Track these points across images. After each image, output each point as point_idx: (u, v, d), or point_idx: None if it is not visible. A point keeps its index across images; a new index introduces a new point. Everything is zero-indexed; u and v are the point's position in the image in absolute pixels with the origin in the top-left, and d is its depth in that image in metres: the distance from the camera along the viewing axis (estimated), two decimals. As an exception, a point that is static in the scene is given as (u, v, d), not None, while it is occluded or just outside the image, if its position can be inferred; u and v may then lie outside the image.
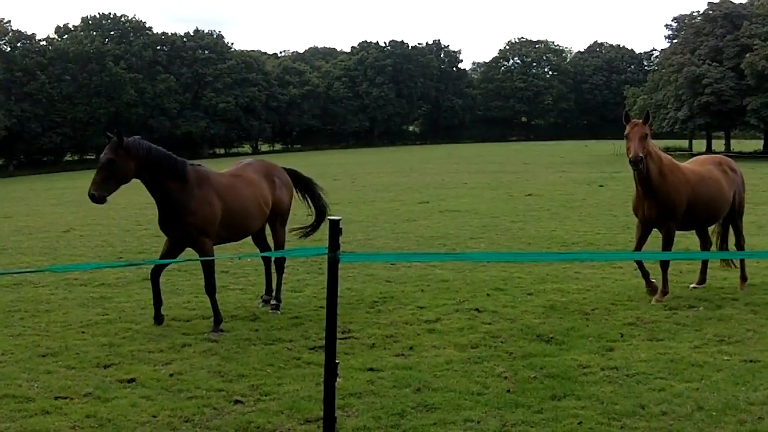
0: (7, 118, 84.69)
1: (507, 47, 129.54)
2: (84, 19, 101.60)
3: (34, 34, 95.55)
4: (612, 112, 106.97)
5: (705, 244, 11.17)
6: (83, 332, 8.87)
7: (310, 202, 11.00)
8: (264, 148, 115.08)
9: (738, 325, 8.54)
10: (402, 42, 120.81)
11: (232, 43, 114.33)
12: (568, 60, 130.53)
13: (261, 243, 10.59)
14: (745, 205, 11.55)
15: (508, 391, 6.50)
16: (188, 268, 12.73)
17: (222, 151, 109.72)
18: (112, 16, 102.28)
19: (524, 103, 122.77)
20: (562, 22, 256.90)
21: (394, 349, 7.87)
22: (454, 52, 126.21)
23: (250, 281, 11.72)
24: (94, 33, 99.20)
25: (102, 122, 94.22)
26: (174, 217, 8.92)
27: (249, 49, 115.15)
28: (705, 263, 10.80)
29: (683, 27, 75.08)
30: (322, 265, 12.40)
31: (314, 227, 11.14)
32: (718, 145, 73.22)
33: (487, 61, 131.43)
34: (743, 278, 10.58)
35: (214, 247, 9.34)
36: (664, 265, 9.97)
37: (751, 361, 7.22)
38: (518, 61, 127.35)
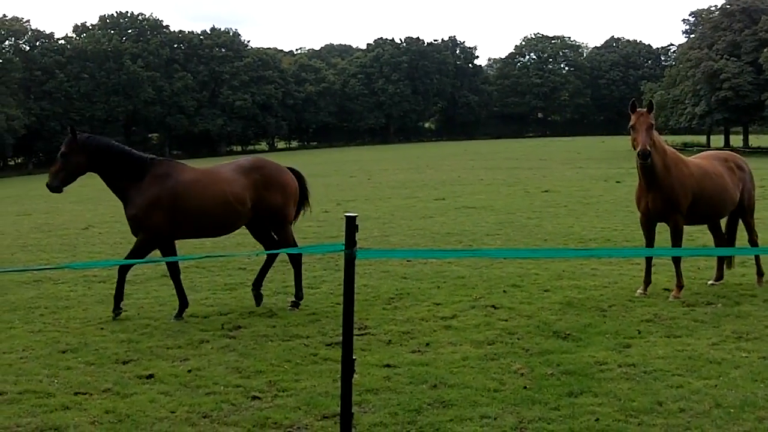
0: (26, 116, 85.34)
1: (523, 43, 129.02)
2: (102, 18, 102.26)
3: (52, 33, 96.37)
4: (629, 108, 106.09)
5: (719, 241, 11.10)
6: (102, 329, 8.96)
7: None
8: (280, 145, 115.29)
9: (756, 321, 8.50)
10: (417, 38, 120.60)
11: (248, 41, 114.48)
12: (584, 55, 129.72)
13: (264, 240, 10.46)
14: (762, 201, 11.46)
15: (525, 387, 6.50)
16: (206, 265, 12.81)
17: (239, 148, 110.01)
18: (129, 14, 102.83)
19: (540, 99, 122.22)
20: (579, 17, 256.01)
21: (411, 346, 7.89)
22: (469, 48, 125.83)
23: (267, 277, 11.73)
24: (112, 31, 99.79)
25: (120, 120, 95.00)
26: (124, 210, 9.69)
27: (265, 47, 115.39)
28: (721, 260, 10.73)
29: (701, 22, 74.43)
30: (338, 262, 12.44)
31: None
32: (737, 140, 72.63)
33: (503, 57, 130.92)
34: (760, 274, 10.52)
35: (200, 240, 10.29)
36: (677, 259, 9.92)
37: (769, 357, 7.19)
38: (534, 56, 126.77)
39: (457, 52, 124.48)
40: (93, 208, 25.84)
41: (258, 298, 10.05)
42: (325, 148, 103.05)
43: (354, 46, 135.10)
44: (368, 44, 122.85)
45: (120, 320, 9.33)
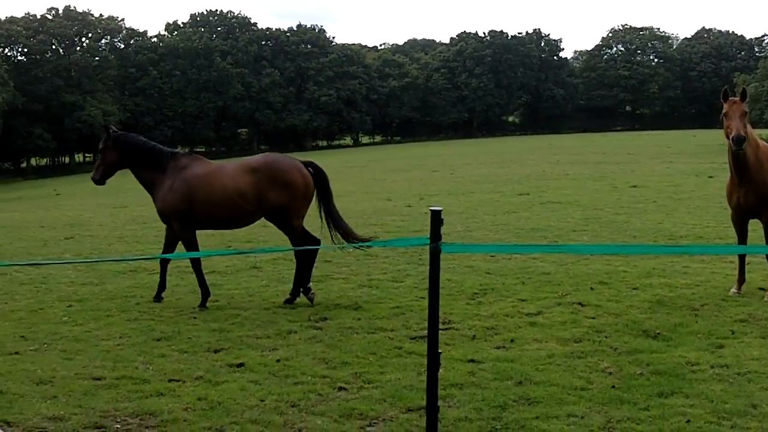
0: (121, 112, 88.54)
1: (610, 35, 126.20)
2: (192, 16, 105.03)
3: (145, 32, 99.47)
4: (721, 101, 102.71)
5: None
6: (194, 318, 9.24)
7: (324, 215, 10.32)
8: (364, 140, 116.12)
9: None
10: (501, 32, 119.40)
11: (333, 37, 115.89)
12: (674, 47, 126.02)
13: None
14: None
15: (613, 387, 6.40)
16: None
17: (324, 143, 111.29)
18: (219, 12, 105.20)
19: (628, 91, 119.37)
20: (668, 7, 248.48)
21: (495, 342, 7.86)
22: (554, 40, 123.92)
23: (352, 270, 11.91)
24: (202, 29, 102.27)
25: (210, 116, 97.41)
26: (153, 202, 10.41)
27: (350, 43, 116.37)
28: None
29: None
30: (422, 256, 12.47)
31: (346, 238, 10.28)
32: (838, 134, 69.46)
33: (589, 49, 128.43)
34: None
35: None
36: None
37: None
38: (622, 48, 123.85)
39: (542, 44, 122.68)
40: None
41: (309, 297, 9.90)
42: (408, 142, 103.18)
43: (437, 41, 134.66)
44: (451, 38, 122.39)
45: (211, 310, 9.60)
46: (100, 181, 10.72)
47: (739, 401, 5.99)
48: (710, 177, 28.77)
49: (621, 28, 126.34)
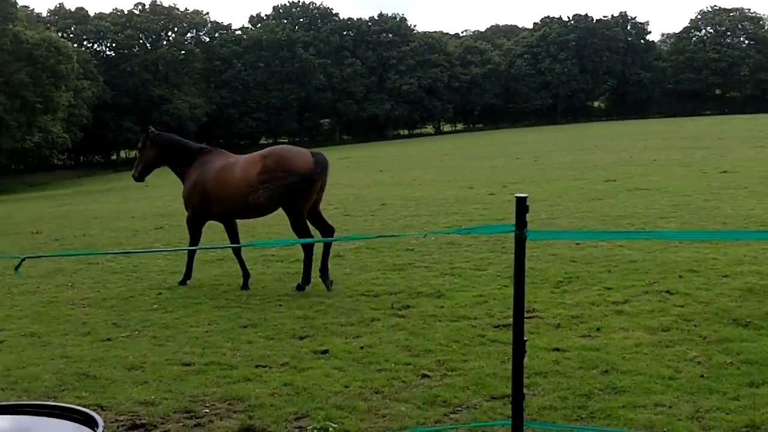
0: (207, 104, 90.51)
1: (698, 16, 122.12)
2: (275, 8, 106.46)
3: (230, 24, 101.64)
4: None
5: None
6: (280, 305, 9.42)
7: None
8: (446, 128, 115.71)
9: None
10: (586, 16, 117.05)
11: (414, 26, 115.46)
12: (765, 28, 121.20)
13: (319, 226, 10.76)
14: None
15: (702, 376, 6.25)
16: (375, 245, 13.13)
17: (405, 132, 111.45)
18: (301, 4, 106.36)
19: (718, 74, 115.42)
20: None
21: (580, 330, 7.77)
22: (641, 23, 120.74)
23: (434, 259, 11.92)
24: (285, 21, 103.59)
25: (293, 107, 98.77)
26: None
27: (431, 31, 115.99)
28: None
29: None
30: (505, 244, 12.40)
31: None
32: None
33: (677, 32, 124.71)
34: None
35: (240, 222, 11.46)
36: None
37: None
38: (711, 30, 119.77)
39: (628, 28, 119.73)
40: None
41: (327, 283, 10.14)
42: (491, 130, 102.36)
43: (520, 26, 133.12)
44: (534, 23, 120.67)
45: (295, 298, 9.78)
46: (139, 178, 11.76)
47: (836, 393, 5.78)
48: (807, 161, 27.63)
49: (710, 9, 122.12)
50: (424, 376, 6.58)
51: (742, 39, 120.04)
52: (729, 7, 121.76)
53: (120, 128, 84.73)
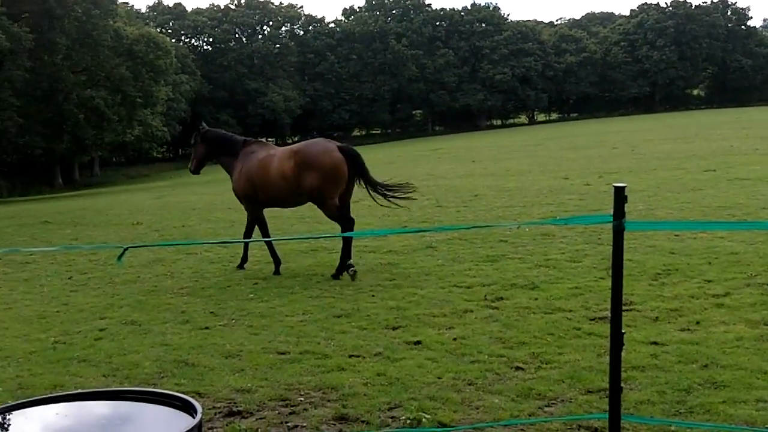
0: (301, 97, 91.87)
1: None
2: (368, 1, 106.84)
3: (323, 18, 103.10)
4: None
5: None
6: (373, 296, 9.47)
7: (366, 186, 11.23)
8: (540, 118, 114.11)
9: None
10: (684, 2, 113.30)
11: (507, 15, 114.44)
12: None
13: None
14: None
15: (809, 372, 6.00)
16: (468, 236, 13.07)
17: (498, 122, 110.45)
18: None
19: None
20: None
21: (679, 324, 7.54)
22: (741, 9, 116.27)
23: (528, 250, 11.77)
24: (377, 13, 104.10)
25: (386, 98, 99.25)
26: None
27: (525, 20, 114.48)
28: None
29: None
30: (601, 236, 12.15)
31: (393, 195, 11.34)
32: None
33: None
34: None
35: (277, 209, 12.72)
36: None
37: None
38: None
39: (728, 13, 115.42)
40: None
41: (352, 273, 10.52)
42: (586, 119, 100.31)
43: (616, 14, 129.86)
44: (631, 10, 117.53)
45: (388, 288, 9.81)
46: (195, 171, 12.61)
47: None
48: None
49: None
50: (518, 368, 6.50)
51: None
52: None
53: (217, 121, 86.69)
